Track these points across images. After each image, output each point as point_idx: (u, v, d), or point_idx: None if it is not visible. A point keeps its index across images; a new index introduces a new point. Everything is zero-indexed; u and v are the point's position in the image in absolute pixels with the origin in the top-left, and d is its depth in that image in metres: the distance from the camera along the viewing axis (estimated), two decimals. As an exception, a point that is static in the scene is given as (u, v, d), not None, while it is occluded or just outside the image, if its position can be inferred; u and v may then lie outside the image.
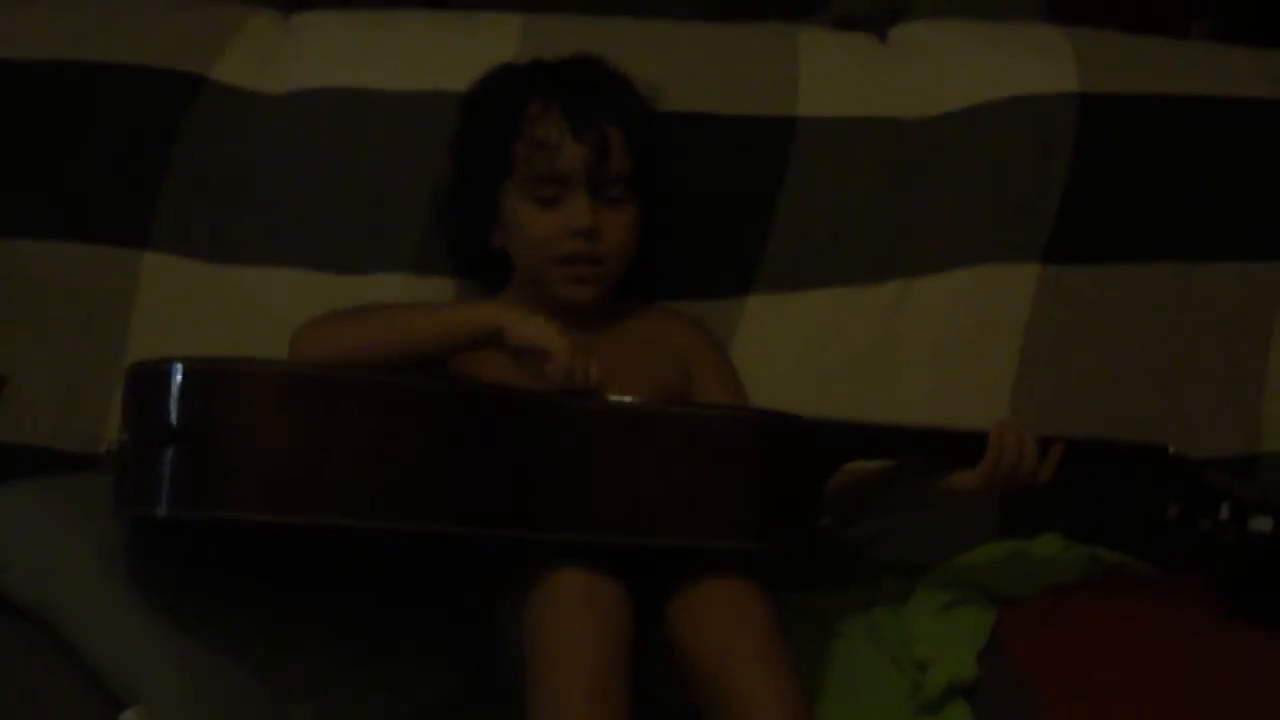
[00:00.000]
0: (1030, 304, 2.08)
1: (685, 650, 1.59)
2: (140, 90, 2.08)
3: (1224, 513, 1.70)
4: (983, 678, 1.77)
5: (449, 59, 2.07)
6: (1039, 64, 2.15)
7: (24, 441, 2.00)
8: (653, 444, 1.57)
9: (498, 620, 1.62)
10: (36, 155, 2.07)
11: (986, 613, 1.87)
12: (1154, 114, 2.13)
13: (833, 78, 2.14)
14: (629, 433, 1.57)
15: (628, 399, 1.60)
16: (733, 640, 1.57)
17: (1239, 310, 2.12)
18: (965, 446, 1.74)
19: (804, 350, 2.07)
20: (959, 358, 2.09)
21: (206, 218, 2.05)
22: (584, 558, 1.55)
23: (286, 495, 1.44)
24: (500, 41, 2.10)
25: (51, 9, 2.16)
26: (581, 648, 1.50)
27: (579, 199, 1.83)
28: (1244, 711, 1.67)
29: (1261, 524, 1.69)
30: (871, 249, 2.09)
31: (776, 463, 1.63)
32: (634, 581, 1.58)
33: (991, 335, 2.09)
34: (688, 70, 2.11)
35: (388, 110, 2.07)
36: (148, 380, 1.48)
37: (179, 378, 1.45)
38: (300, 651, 1.62)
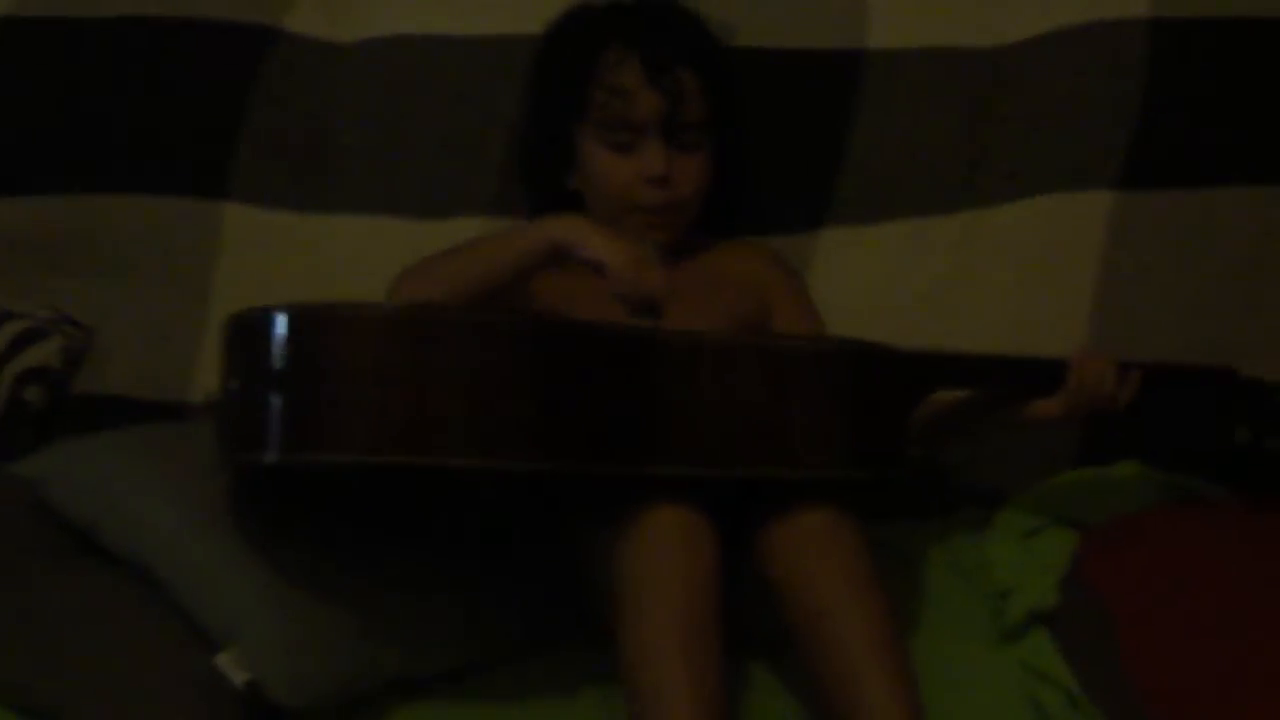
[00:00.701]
0: (1105, 231, 2.07)
1: (775, 578, 1.61)
2: (216, 43, 2.11)
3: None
4: (1063, 604, 1.78)
5: (521, 2, 2.08)
6: (1111, -11, 2.14)
7: (111, 392, 2.04)
8: (745, 377, 1.58)
9: (585, 557, 1.64)
10: (116, 110, 2.10)
11: (1066, 539, 1.88)
12: (1227, 37, 2.10)
13: (902, 8, 2.13)
14: (722, 366, 1.57)
15: (714, 329, 1.61)
16: (822, 566, 1.59)
17: (1319, 231, 2.11)
18: (1047, 374, 1.76)
19: (879, 282, 2.08)
20: (1034, 286, 2.08)
21: (286, 167, 2.09)
22: (674, 492, 1.56)
23: (394, 438, 1.44)
24: (572, -18, 2.10)
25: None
26: (674, 584, 1.51)
27: (653, 147, 1.83)
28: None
29: None
30: (944, 179, 2.09)
31: (866, 393, 1.64)
32: (722, 511, 1.59)
33: (1067, 263, 2.08)
34: (756, 5, 2.11)
35: (461, 55, 2.09)
36: (250, 329, 1.49)
37: (282, 325, 1.46)
38: (388, 594, 1.64)
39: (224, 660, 1.54)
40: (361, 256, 2.05)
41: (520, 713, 1.67)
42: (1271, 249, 2.08)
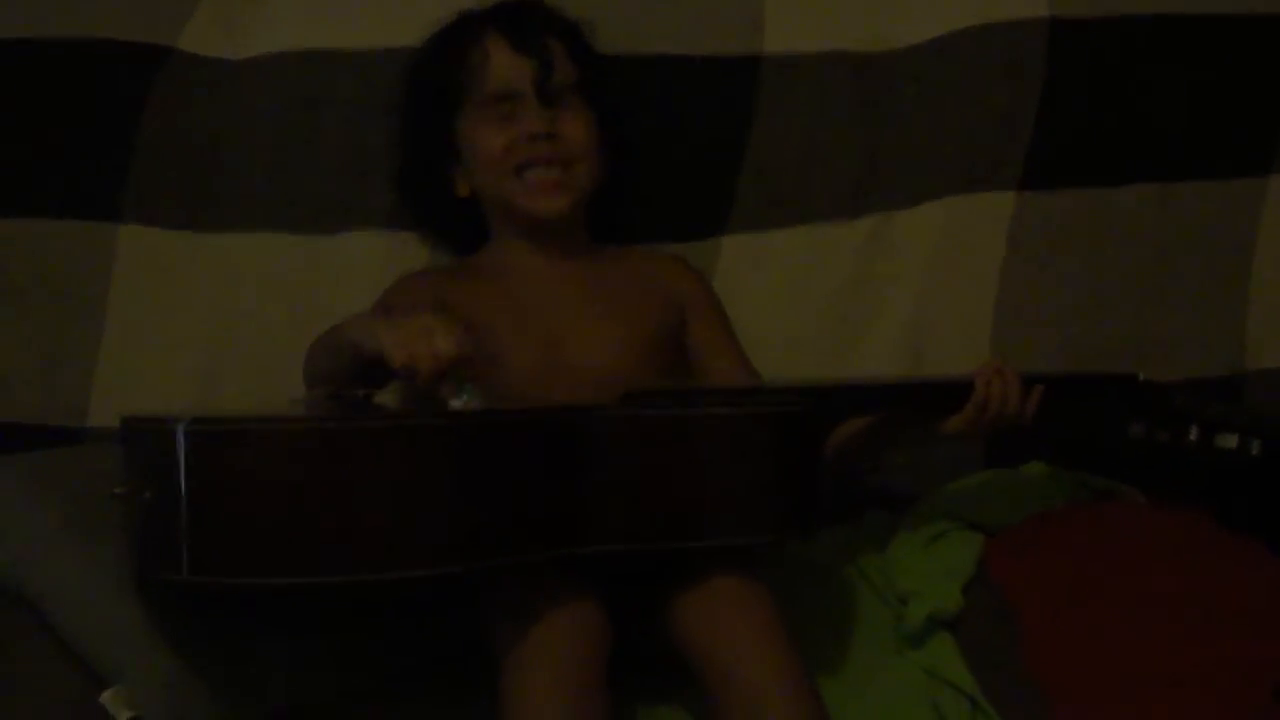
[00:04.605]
0: (1007, 231, 2.08)
1: (694, 649, 1.58)
2: (108, 63, 2.07)
3: (1193, 434, 1.71)
4: (968, 607, 1.77)
5: (413, 15, 2.05)
6: (1009, -11, 2.14)
7: (7, 419, 2.01)
8: (668, 451, 1.54)
9: (477, 608, 1.62)
10: (7, 134, 2.07)
11: (973, 542, 1.87)
12: (1124, 35, 2.11)
13: (799, 12, 2.12)
14: (644, 441, 1.53)
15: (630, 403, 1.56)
16: (741, 638, 1.56)
17: (1219, 228, 2.12)
18: (952, 394, 1.72)
19: (781, 288, 2.08)
20: (938, 288, 2.09)
21: (179, 187, 2.05)
22: (562, 575, 1.54)
23: (311, 558, 1.39)
24: (463, -7, 2.09)
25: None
26: (553, 650, 1.50)
27: (530, 106, 1.85)
28: (1227, 626, 1.67)
29: (1227, 440, 1.70)
30: (844, 185, 2.09)
31: (785, 453, 1.58)
32: (624, 579, 1.58)
33: (969, 264, 2.09)
34: (653, 13, 2.09)
35: (354, 69, 2.06)
36: (151, 440, 1.43)
37: (188, 443, 1.39)
38: (270, 626, 1.62)
39: (108, 698, 1.53)
40: (257, 274, 2.03)
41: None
42: (1168, 246, 2.09)
